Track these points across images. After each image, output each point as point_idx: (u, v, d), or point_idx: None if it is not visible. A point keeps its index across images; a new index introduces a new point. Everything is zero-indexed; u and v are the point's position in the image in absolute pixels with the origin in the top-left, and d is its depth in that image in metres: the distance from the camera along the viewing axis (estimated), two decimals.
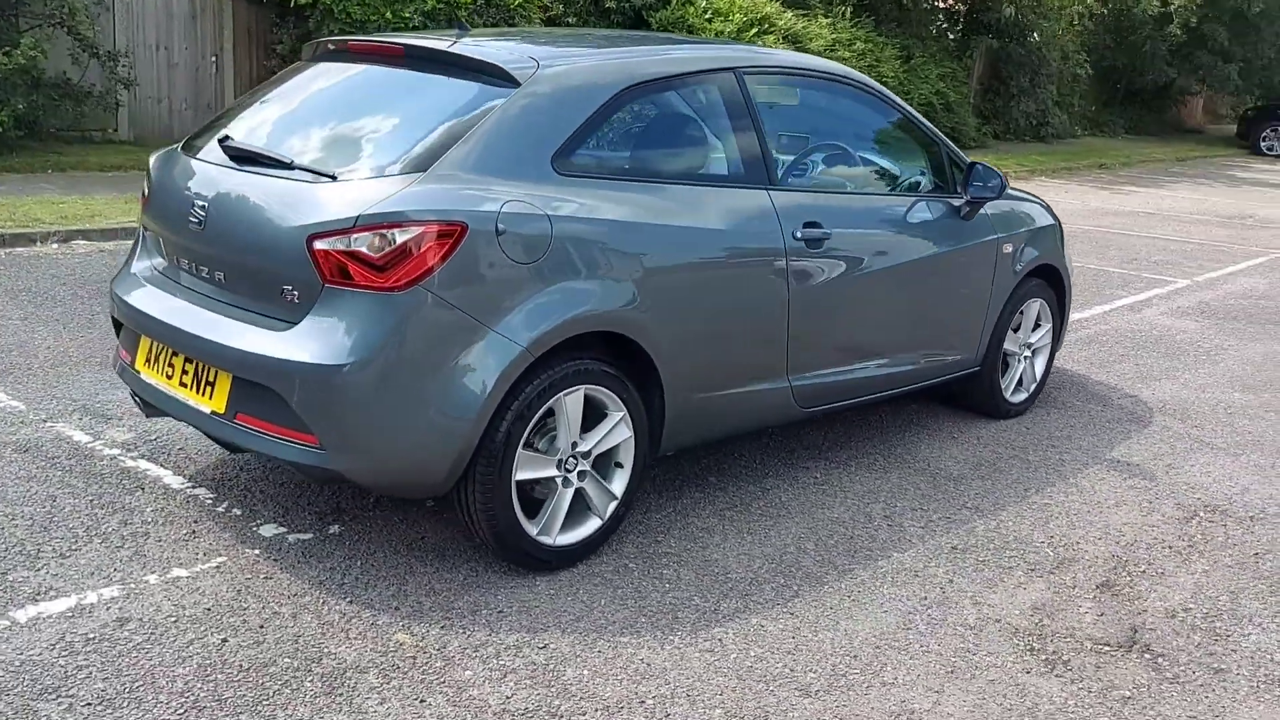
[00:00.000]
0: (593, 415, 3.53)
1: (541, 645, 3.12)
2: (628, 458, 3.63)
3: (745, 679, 3.02)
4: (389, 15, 12.47)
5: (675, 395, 3.69)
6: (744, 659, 3.12)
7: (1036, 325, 5.42)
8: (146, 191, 3.85)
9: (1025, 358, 5.39)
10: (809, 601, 3.47)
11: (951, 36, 21.61)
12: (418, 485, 3.30)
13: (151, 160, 3.92)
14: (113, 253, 7.77)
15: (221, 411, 3.33)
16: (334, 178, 3.26)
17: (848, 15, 18.01)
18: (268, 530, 3.70)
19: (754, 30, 16.46)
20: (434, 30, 10.85)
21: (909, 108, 4.78)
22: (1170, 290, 8.95)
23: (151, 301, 3.62)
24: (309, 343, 3.14)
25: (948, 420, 5.26)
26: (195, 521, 3.72)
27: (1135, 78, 25.08)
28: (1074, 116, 23.92)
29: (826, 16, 17.53)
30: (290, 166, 3.34)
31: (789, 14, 16.72)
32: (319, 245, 3.13)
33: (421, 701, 2.83)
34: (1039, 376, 5.51)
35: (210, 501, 3.88)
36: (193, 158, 3.68)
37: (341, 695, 2.84)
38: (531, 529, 3.43)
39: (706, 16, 15.82)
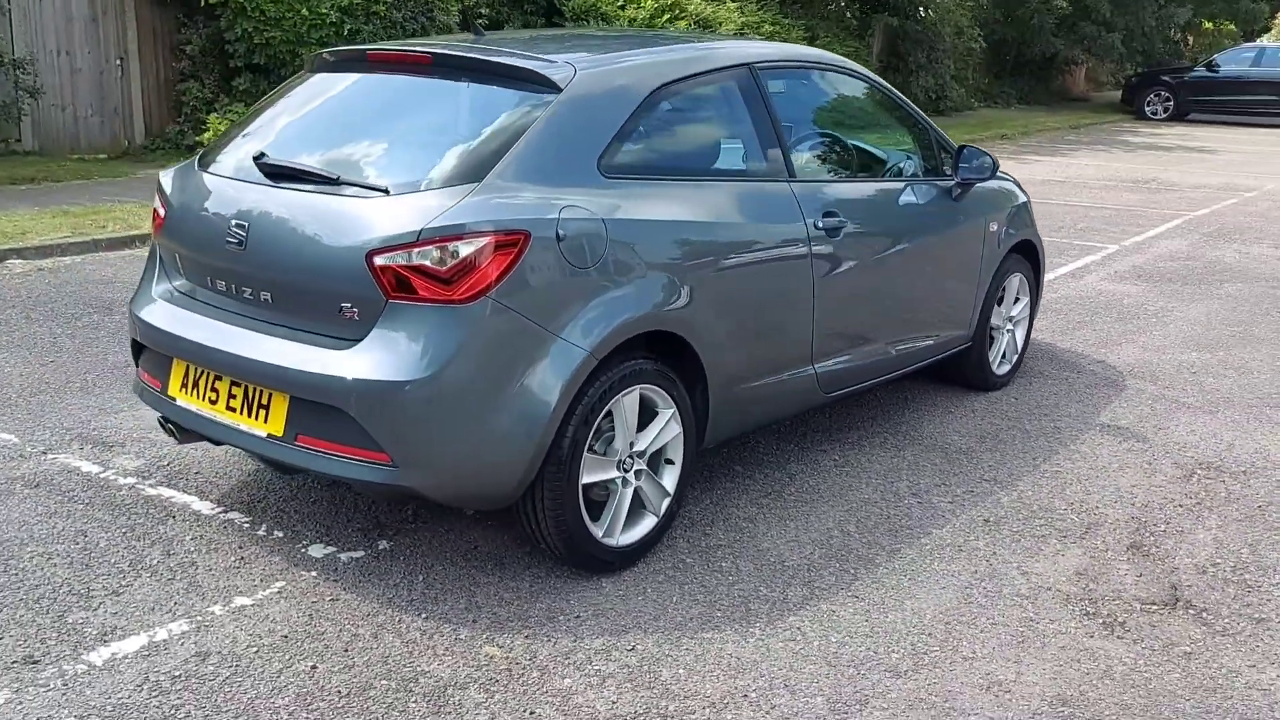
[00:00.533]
0: (644, 414, 3.55)
1: (629, 647, 3.14)
2: (677, 454, 3.67)
3: (834, 665, 3.09)
4: (305, 12, 12.18)
5: (717, 389, 3.74)
6: (826, 645, 3.19)
7: (1016, 299, 5.60)
8: (162, 211, 3.73)
9: (1008, 331, 5.57)
10: (869, 583, 3.56)
11: (850, 16, 21.96)
12: (489, 496, 3.29)
13: (163, 179, 3.80)
14: (53, 270, 7.48)
15: (280, 435, 3.26)
16: (387, 192, 3.21)
17: None
18: (316, 551, 3.64)
19: (665, 16, 16.52)
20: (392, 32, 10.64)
21: (897, 92, 4.89)
22: (1103, 256, 9.29)
23: (185, 324, 3.52)
24: (376, 359, 3.10)
25: (939, 395, 5.41)
26: (239, 547, 3.64)
27: (1024, 49, 25.84)
28: (969, 90, 24.54)
29: (734, 0, 17.66)
30: (337, 182, 3.28)
31: None
32: (379, 261, 3.09)
33: (531, 714, 2.83)
34: (1020, 348, 5.70)
35: (247, 525, 3.80)
36: (220, 176, 3.58)
37: (449, 713, 2.82)
38: (597, 531, 3.44)
39: (619, 4, 15.82)
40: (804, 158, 4.30)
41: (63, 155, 12.28)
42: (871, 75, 4.75)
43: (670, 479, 3.67)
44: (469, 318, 3.09)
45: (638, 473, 3.55)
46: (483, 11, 15.04)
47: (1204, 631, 3.36)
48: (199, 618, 3.21)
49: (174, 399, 3.56)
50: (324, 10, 12.28)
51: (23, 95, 11.38)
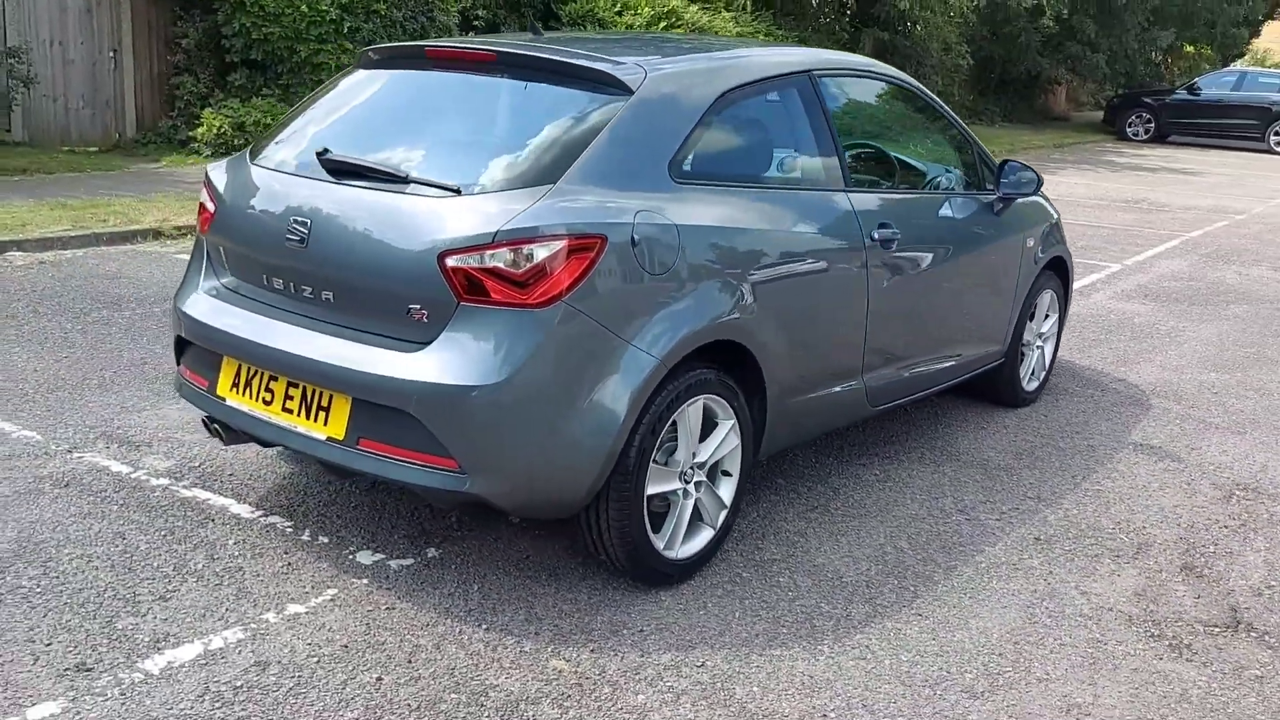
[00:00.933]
0: (703, 425, 3.48)
1: (699, 664, 3.07)
2: (735, 465, 3.60)
3: (909, 685, 3.03)
4: (304, 9, 12.04)
5: (774, 400, 3.68)
6: (897, 665, 3.13)
7: (1046, 315, 5.58)
8: (211, 206, 3.62)
9: (1038, 347, 5.54)
10: (930, 601, 3.50)
11: (841, 29, 22.03)
12: (556, 505, 3.21)
13: (213, 173, 3.69)
14: (53, 264, 7.32)
15: (340, 438, 3.16)
16: (458, 192, 3.13)
17: (749, 9, 18.18)
18: (365, 557, 3.54)
19: (662, 24, 16.49)
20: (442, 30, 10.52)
21: (942, 103, 4.86)
22: (1108, 275, 9.32)
23: (239, 322, 3.42)
24: (447, 363, 3.01)
25: (970, 411, 5.37)
26: (285, 553, 3.54)
27: (1010, 67, 26.02)
28: (955, 106, 24.68)
29: (729, 10, 17.66)
30: (406, 181, 3.19)
31: (694, 7, 16.80)
32: (451, 262, 3.01)
33: None
34: (1048, 365, 5.68)
35: (290, 530, 3.70)
36: (278, 171, 3.48)
37: None
38: (659, 543, 3.37)
39: (616, 10, 15.78)
40: (858, 168, 4.25)
41: (53, 147, 12.07)
42: (918, 85, 4.72)
43: (727, 491, 3.60)
44: (542, 322, 3.01)
45: (697, 484, 3.49)
46: (479, 14, 14.94)
47: (1271, 655, 3.33)
48: (253, 625, 3.11)
49: (223, 398, 3.45)
50: (324, 7, 12.15)
51: (15, 85, 11.16)
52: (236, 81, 12.57)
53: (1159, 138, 25.47)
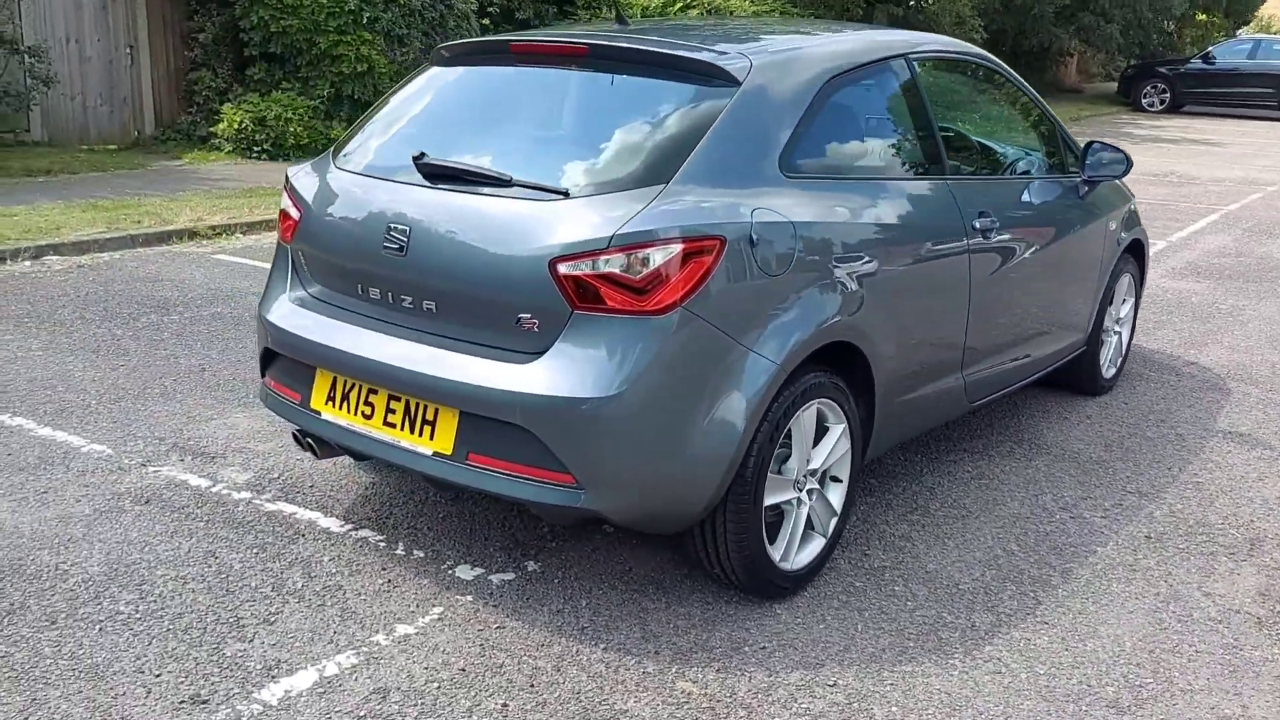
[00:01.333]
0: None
1: (830, 682, 2.95)
2: (844, 471, 3.48)
3: (1051, 700, 2.91)
4: (324, 0, 11.85)
5: (882, 401, 3.55)
6: (1034, 678, 3.01)
7: (1124, 300, 5.45)
8: (295, 213, 3.49)
9: (1116, 332, 5.41)
10: (1053, 608, 3.38)
11: (853, 5, 21.78)
12: (674, 518, 3.08)
13: (295, 179, 3.55)
14: (92, 267, 7.19)
15: (448, 453, 3.04)
16: (566, 194, 2.99)
17: None
18: (464, 573, 3.42)
19: (678, 5, 16.30)
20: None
21: (1027, 84, 4.70)
22: (1156, 252, 9.15)
23: (332, 333, 3.29)
24: (563, 374, 2.88)
25: (1047, 400, 5.24)
26: (383, 569, 3.42)
27: (1021, 40, 25.74)
28: None
29: None
30: (509, 184, 3.05)
31: None
32: (564, 269, 2.87)
33: None
34: (1124, 351, 5.55)
35: (383, 544, 3.58)
36: (368, 176, 3.34)
37: None
38: (775, 555, 3.25)
39: None
40: (954, 154, 4.10)
41: (72, 146, 11.92)
42: (1005, 67, 4.56)
43: (837, 497, 3.48)
44: (661, 329, 2.88)
45: (809, 492, 3.36)
46: (495, 1, 14.73)
47: None
48: (365, 649, 2.99)
49: (318, 412, 3.32)
50: None
51: (35, 84, 11.01)
52: (255, 75, 12.41)
53: (1174, 107, 25.24)
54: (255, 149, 11.85)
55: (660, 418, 2.91)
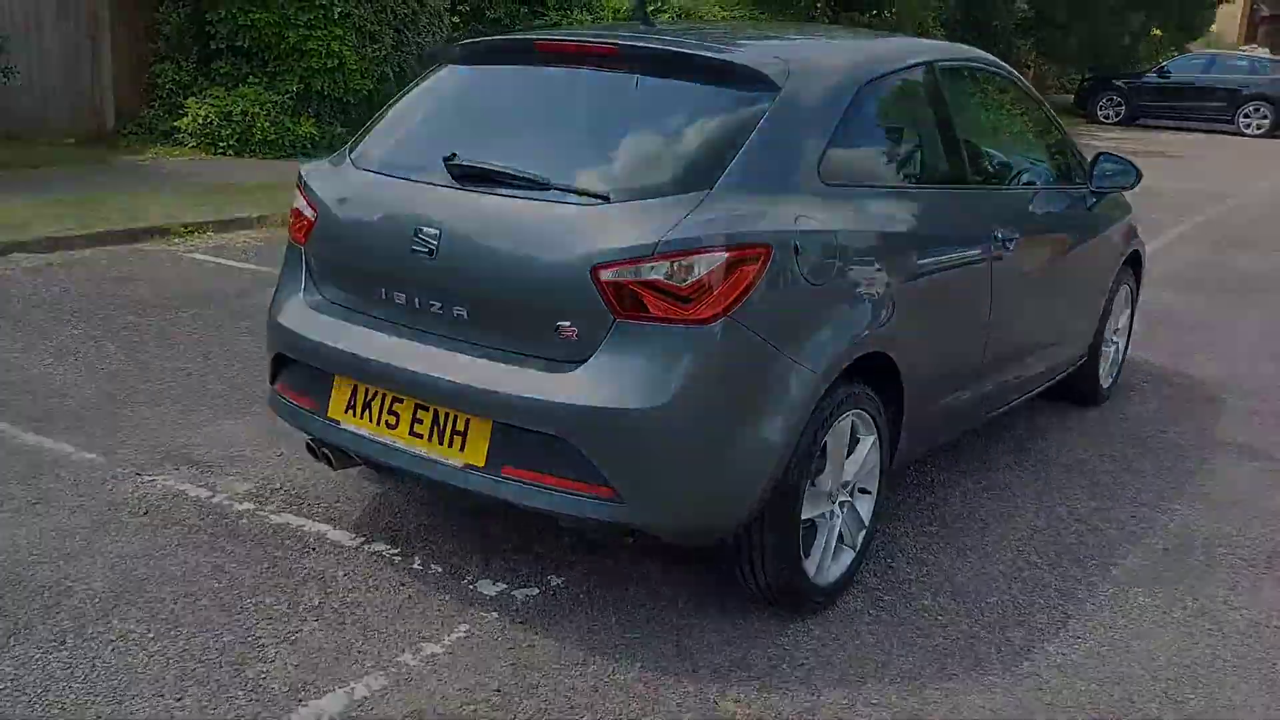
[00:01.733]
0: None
1: (874, 701, 2.88)
2: (873, 482, 3.42)
3: (1098, 717, 2.87)
4: None
5: (911, 412, 3.50)
6: (1075, 695, 2.97)
7: (1122, 311, 5.45)
8: (310, 213, 3.36)
9: (1113, 343, 5.41)
10: (1083, 622, 3.35)
11: (818, 13, 21.87)
12: (713, 531, 3.01)
13: (310, 178, 3.42)
14: (62, 265, 6.96)
15: (481, 465, 2.93)
16: (607, 199, 2.90)
17: None
18: (486, 588, 3.32)
19: (649, 7, 16.22)
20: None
21: (1037, 94, 4.68)
22: None
23: (352, 339, 3.16)
24: (605, 384, 2.79)
25: (1045, 410, 5.22)
26: (400, 584, 3.31)
27: (984, 49, 26.02)
28: None
29: None
30: (546, 187, 2.95)
31: None
32: (606, 276, 2.78)
33: None
34: (1120, 361, 5.56)
35: (398, 558, 3.46)
36: (391, 176, 3.23)
37: None
38: (810, 569, 3.18)
39: None
40: (975, 163, 4.06)
41: (30, 139, 11.57)
42: (1018, 76, 4.54)
43: (866, 509, 3.42)
44: (705, 338, 2.80)
45: (841, 504, 3.30)
46: None
47: None
48: (392, 669, 2.88)
49: (337, 421, 3.20)
50: None
51: None
52: (221, 69, 12.14)
53: (1129, 120, 25.62)
54: (220, 144, 11.60)
55: (706, 429, 2.83)
